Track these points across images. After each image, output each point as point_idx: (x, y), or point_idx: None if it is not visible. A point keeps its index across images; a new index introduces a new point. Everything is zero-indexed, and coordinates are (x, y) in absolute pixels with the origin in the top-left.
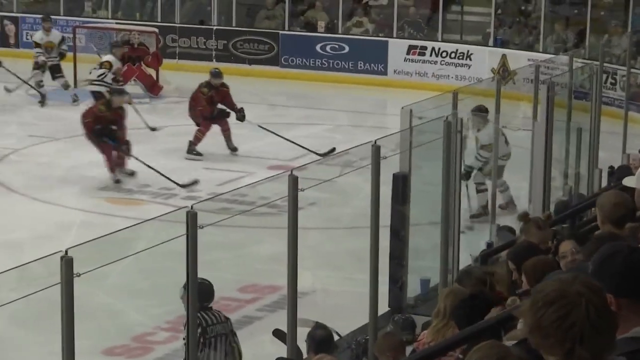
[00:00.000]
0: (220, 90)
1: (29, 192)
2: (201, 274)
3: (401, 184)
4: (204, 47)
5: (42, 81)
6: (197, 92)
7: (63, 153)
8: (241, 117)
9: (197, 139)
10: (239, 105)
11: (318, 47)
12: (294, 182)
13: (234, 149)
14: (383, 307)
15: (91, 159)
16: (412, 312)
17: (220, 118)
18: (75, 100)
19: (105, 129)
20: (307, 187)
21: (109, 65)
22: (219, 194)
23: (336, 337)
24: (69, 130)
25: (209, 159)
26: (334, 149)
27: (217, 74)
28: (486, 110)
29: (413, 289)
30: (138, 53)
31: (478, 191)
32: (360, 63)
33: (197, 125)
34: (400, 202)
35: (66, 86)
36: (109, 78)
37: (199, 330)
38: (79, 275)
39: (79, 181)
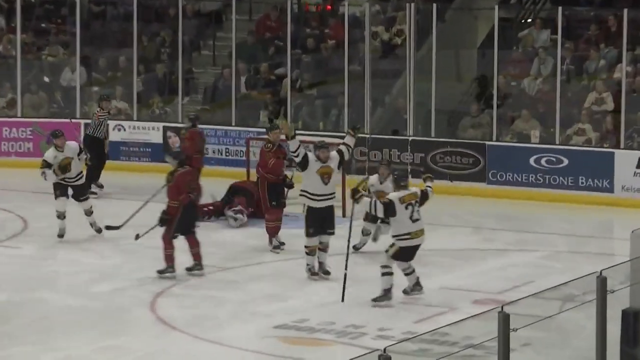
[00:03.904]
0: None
1: (192, 331)
2: None
3: (632, 321)
4: (398, 160)
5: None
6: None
7: (232, 285)
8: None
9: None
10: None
11: (532, 160)
12: (504, 320)
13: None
14: None
15: (265, 292)
16: None
17: None
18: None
19: None
20: (521, 326)
21: None
22: (417, 334)
23: None
24: (242, 259)
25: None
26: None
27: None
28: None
29: None
30: None
31: None
32: (582, 178)
33: None
34: (631, 344)
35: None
36: None
37: None
38: None
39: (250, 318)
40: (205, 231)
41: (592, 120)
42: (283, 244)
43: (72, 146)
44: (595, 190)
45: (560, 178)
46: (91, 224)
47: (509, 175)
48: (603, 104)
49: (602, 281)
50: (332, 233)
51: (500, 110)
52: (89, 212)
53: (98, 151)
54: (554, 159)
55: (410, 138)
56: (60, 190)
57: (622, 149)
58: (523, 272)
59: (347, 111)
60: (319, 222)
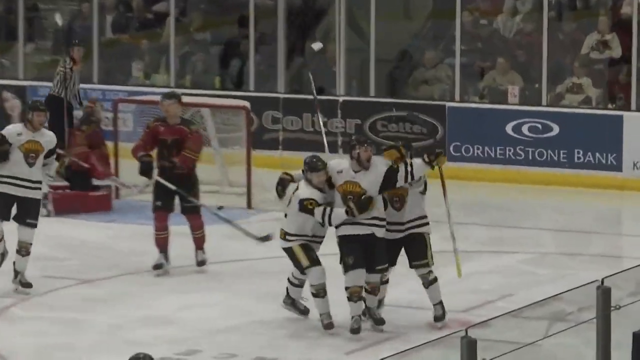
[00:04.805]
0: None
1: None
2: None
3: None
4: (326, 129)
5: None
6: None
7: (97, 304)
8: None
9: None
10: None
11: (509, 128)
12: (470, 347)
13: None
14: None
15: (141, 314)
16: None
17: None
18: None
19: None
20: (494, 355)
21: None
22: None
23: None
24: (109, 267)
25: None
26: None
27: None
28: None
29: None
30: None
31: None
32: (578, 152)
33: None
34: None
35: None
36: None
37: None
38: None
39: (120, 349)
40: (56, 228)
41: (591, 72)
42: (202, 263)
43: (49, 136)
44: (596, 169)
45: (549, 152)
46: (16, 273)
47: (478, 148)
48: (607, 50)
49: (604, 293)
50: (381, 270)
51: (465, 59)
52: (25, 249)
53: (60, 118)
54: (539, 126)
55: (341, 99)
56: (4, 209)
57: (634, 111)
58: (498, 282)
59: (252, 62)
60: (358, 254)
